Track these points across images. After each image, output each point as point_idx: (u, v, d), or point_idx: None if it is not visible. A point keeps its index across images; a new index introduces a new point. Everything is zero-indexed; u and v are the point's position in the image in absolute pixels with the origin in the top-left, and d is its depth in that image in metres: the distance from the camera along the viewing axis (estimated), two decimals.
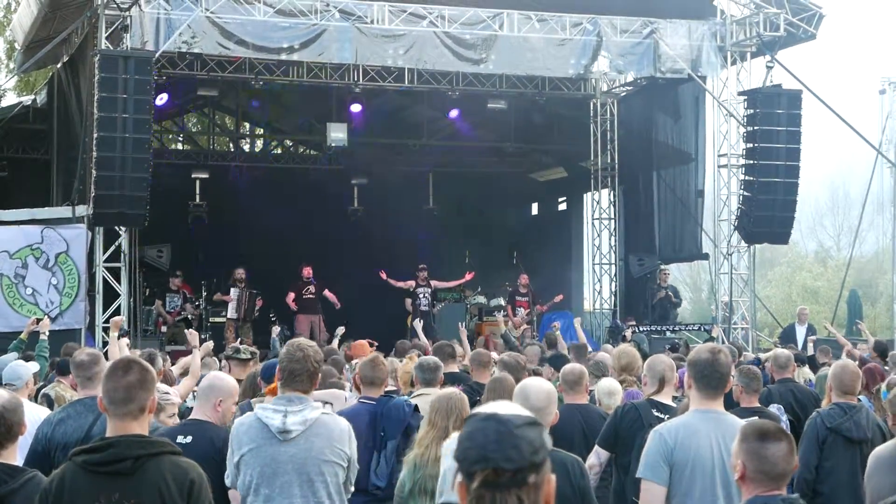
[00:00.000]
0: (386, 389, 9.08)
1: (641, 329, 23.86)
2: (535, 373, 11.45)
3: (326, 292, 24.75)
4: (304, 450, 6.49)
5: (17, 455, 5.83)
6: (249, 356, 12.06)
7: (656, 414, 7.90)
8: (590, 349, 16.57)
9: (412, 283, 25.59)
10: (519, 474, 3.01)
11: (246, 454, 6.53)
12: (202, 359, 12.95)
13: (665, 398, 8.19)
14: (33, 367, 9.99)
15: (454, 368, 11.64)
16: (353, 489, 6.86)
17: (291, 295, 24.69)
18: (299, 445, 6.48)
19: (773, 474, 5.03)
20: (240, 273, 24.97)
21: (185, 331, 17.28)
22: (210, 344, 15.29)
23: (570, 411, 9.14)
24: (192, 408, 11.51)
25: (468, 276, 26.73)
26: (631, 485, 6.79)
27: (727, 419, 6.53)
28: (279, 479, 6.47)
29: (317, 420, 6.55)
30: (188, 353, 16.47)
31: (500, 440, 3.04)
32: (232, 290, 24.83)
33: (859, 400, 9.23)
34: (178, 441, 7.10)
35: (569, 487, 6.27)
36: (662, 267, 26.77)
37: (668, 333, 23.12)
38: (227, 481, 6.72)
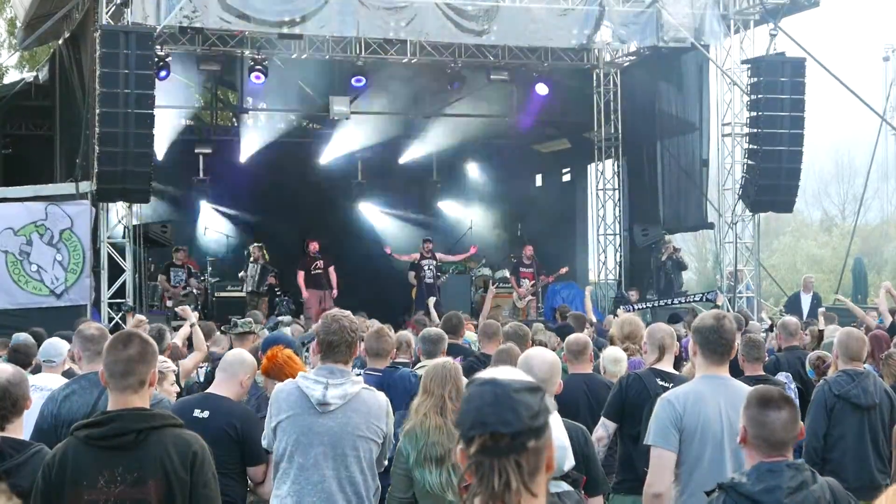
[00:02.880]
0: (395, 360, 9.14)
1: (647, 303, 23.75)
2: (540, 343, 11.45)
3: (331, 271, 24.71)
4: (341, 424, 6.50)
5: (22, 429, 5.84)
6: (248, 329, 12.10)
7: (660, 383, 7.89)
8: (594, 320, 16.59)
9: (416, 255, 25.61)
10: (517, 439, 2.97)
11: (283, 421, 6.55)
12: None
13: (666, 366, 8.18)
14: (67, 344, 9.98)
15: (458, 341, 11.65)
16: (386, 463, 6.89)
17: (301, 274, 24.64)
18: (337, 419, 6.49)
19: (773, 441, 5.03)
20: (255, 251, 25.23)
21: (177, 308, 17.28)
22: (196, 313, 15.45)
23: (575, 381, 9.14)
24: (200, 382, 11.60)
25: (472, 250, 26.72)
26: (640, 454, 6.78)
27: (734, 385, 6.53)
28: (313, 451, 6.49)
29: (356, 395, 6.56)
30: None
31: (496, 403, 3.00)
32: (250, 265, 25.13)
33: (865, 367, 9.23)
34: (194, 415, 7.17)
35: (573, 456, 6.25)
36: (668, 238, 26.78)
37: (674, 303, 23.00)
38: (264, 443, 6.76)
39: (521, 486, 2.95)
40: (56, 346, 9.39)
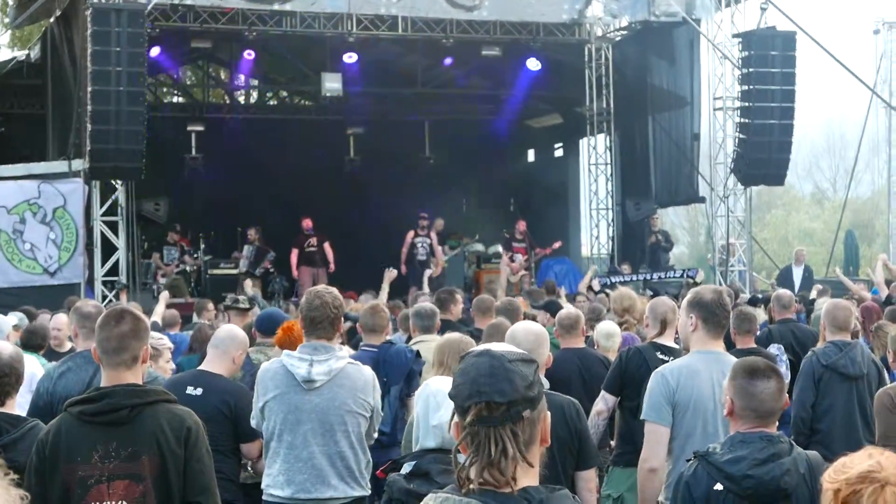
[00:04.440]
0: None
1: (625, 277, 23.85)
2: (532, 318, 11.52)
3: (327, 247, 24.78)
4: (328, 400, 6.57)
5: (16, 406, 5.89)
6: (248, 305, 12.25)
7: (660, 356, 7.90)
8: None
9: (410, 234, 25.56)
10: (513, 408, 3.02)
11: (270, 400, 6.63)
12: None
13: (667, 340, 8.21)
14: (12, 319, 10.00)
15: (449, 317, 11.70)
16: (375, 436, 6.94)
17: (295, 252, 24.72)
18: (323, 395, 6.57)
19: (762, 411, 5.08)
20: (251, 233, 25.33)
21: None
22: (166, 293, 16.00)
23: (567, 355, 9.19)
24: None
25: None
26: (640, 427, 6.83)
27: (727, 360, 6.56)
28: (302, 428, 6.57)
29: (342, 370, 6.62)
30: (188, 305, 16.70)
31: (492, 374, 3.05)
32: (245, 247, 25.25)
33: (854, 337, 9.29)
34: (187, 392, 7.19)
35: (565, 430, 6.27)
36: (656, 216, 26.82)
37: (653, 278, 23.11)
38: (253, 423, 6.85)
39: (517, 454, 3.00)
40: None
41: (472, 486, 3.02)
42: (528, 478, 3.06)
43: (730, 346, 9.06)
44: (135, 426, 5.01)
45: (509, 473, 3.00)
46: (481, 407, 3.02)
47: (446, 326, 10.29)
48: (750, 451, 4.98)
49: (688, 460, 5.31)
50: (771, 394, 5.08)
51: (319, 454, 6.57)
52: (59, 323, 10.49)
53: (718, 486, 5.00)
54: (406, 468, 5.00)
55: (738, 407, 5.11)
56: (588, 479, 6.48)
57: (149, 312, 12.91)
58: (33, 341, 9.47)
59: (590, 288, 19.05)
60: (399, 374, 8.59)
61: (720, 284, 21.92)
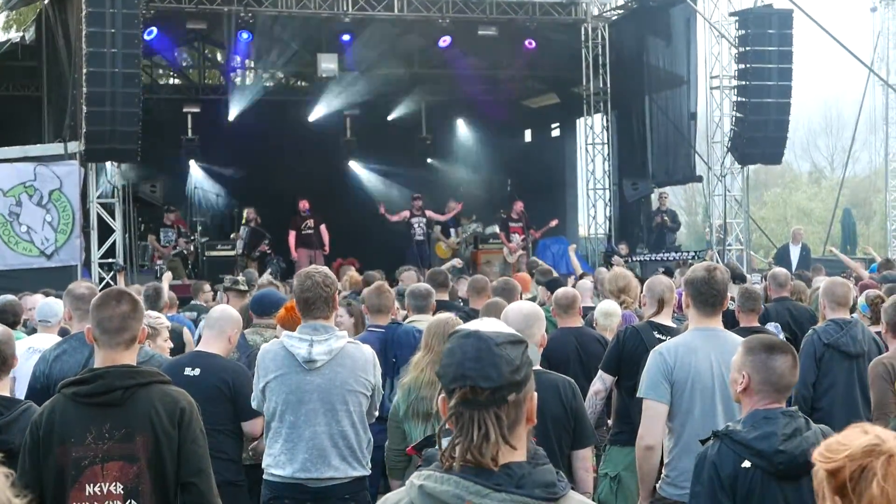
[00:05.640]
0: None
1: (636, 257, 23.94)
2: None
3: (323, 229, 24.76)
4: (329, 380, 6.58)
5: (8, 388, 5.87)
6: (247, 287, 12.29)
7: (657, 336, 7.88)
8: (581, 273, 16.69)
9: (406, 213, 25.59)
10: (497, 393, 2.98)
11: (272, 381, 6.63)
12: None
13: (665, 319, 8.19)
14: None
15: (445, 296, 11.69)
16: (377, 414, 6.94)
17: (293, 234, 24.71)
18: (324, 375, 6.57)
19: (780, 386, 5.07)
20: (249, 213, 25.29)
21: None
22: (169, 274, 16.11)
23: (564, 335, 9.18)
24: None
25: (458, 207, 26.70)
26: (637, 406, 6.82)
27: (726, 336, 6.55)
28: (304, 408, 6.57)
29: (342, 349, 6.63)
30: (185, 287, 16.70)
31: (478, 358, 3.00)
32: (242, 228, 25.27)
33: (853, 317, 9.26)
34: (185, 373, 7.18)
35: (560, 408, 6.25)
36: (660, 191, 26.81)
37: (664, 259, 23.16)
38: (254, 404, 6.86)
39: (499, 439, 2.96)
40: (52, 306, 9.38)
41: (453, 465, 3.00)
42: (513, 457, 3.03)
43: (734, 324, 9.06)
44: (129, 407, 4.97)
45: (489, 456, 2.97)
46: (466, 390, 2.98)
47: (442, 306, 10.26)
48: (777, 427, 4.97)
49: (702, 441, 5.27)
50: (789, 368, 5.08)
51: (322, 433, 6.57)
52: (34, 304, 10.47)
53: (746, 464, 4.97)
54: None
55: (757, 382, 5.07)
56: (584, 457, 6.46)
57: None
58: (6, 319, 9.40)
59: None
60: (408, 354, 8.56)
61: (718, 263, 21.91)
